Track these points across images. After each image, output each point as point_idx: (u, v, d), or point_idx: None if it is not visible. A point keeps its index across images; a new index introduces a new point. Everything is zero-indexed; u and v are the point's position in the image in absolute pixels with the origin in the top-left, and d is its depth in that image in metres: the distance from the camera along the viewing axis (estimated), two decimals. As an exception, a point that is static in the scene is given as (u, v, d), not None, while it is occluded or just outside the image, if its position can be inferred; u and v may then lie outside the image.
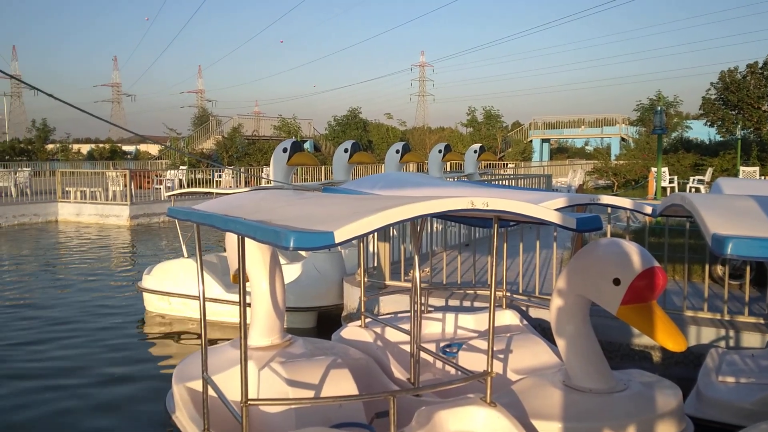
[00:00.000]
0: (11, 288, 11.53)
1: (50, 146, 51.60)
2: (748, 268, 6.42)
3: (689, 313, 6.17)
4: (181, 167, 28.90)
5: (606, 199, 4.76)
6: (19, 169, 26.74)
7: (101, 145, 60.43)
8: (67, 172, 25.40)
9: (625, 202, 4.76)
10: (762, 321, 5.94)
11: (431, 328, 5.97)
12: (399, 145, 11.66)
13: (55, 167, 31.59)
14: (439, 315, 6.09)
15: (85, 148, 59.64)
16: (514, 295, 6.75)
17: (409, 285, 6.61)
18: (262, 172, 27.15)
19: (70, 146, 55.76)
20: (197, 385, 4.41)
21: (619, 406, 3.98)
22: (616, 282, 3.77)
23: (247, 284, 4.96)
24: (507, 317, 5.92)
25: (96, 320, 9.19)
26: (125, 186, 21.36)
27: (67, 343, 8.12)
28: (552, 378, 4.30)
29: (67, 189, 22.29)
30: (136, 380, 6.85)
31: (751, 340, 5.71)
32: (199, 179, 26.55)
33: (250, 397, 3.26)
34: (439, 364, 5.39)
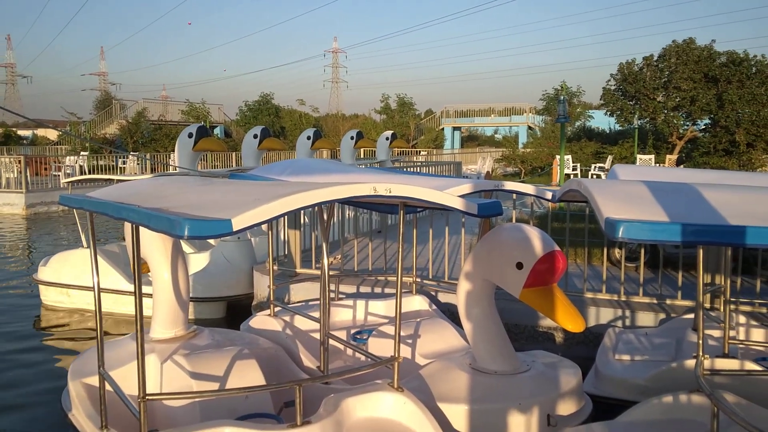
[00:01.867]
0: None
1: (-66, 130, 47.93)
2: (642, 251, 6.76)
3: (589, 295, 6.43)
4: (82, 153, 27.50)
5: (510, 185, 4.87)
6: None
7: (-6, 130, 56.64)
8: (-45, 158, 23.67)
9: (527, 188, 4.89)
10: (655, 301, 6.27)
11: (341, 315, 5.95)
12: (310, 132, 11.55)
13: (-59, 153, 29.37)
14: (349, 302, 6.07)
15: (-26, 133, 55.68)
16: (424, 281, 6.83)
17: (319, 272, 6.56)
18: (169, 158, 26.26)
19: (-43, 130, 51.99)
20: (94, 381, 4.21)
21: (522, 387, 4.10)
22: (519, 266, 3.86)
23: (149, 274, 4.79)
24: (416, 303, 5.98)
25: (-14, 316, 8.62)
26: (20, 173, 20.13)
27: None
28: (459, 361, 4.37)
29: (-46, 176, 20.80)
30: (30, 379, 6.47)
31: (646, 319, 6.02)
32: (101, 166, 25.42)
33: (151, 391, 3.13)
34: (349, 351, 5.38)
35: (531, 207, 7.43)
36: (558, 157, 21.97)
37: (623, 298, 6.32)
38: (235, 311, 8.11)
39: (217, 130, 41.75)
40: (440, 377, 4.22)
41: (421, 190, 3.23)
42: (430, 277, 7.03)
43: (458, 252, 8.22)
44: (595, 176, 24.05)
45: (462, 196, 3.75)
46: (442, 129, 45.69)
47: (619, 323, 6.04)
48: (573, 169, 25.32)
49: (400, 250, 3.80)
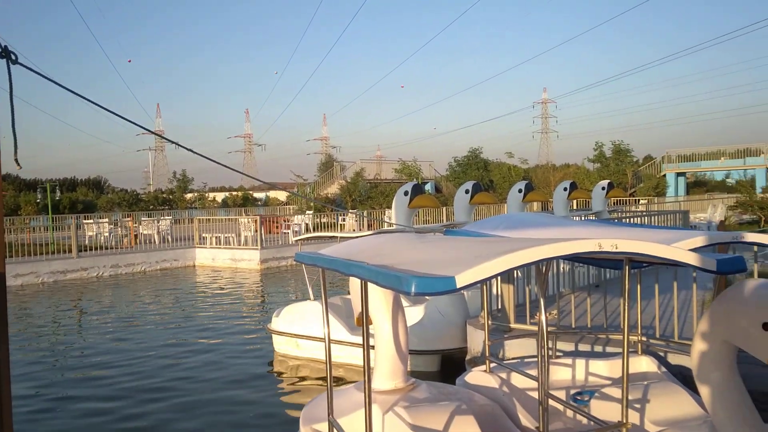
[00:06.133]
0: (152, 327, 12.34)
1: (189, 195, 55.33)
2: None
3: None
4: (307, 212, 30.00)
5: (751, 236, 4.40)
6: (162, 217, 28.82)
7: (234, 193, 63.99)
8: (204, 219, 27.04)
9: (772, 239, 4.37)
10: None
11: (560, 374, 5.72)
12: (522, 184, 11.46)
13: (193, 215, 33.76)
14: (568, 360, 5.82)
15: (220, 196, 63.34)
16: (651, 340, 6.34)
17: (535, 328, 6.39)
18: (384, 215, 27.63)
19: (206, 195, 59.60)
20: (324, 427, 4.47)
21: (776, 466, 3.59)
22: (766, 327, 3.44)
23: (371, 327, 5.02)
24: (643, 364, 5.57)
25: (227, 360, 9.61)
26: (256, 231, 22.42)
27: (197, 384, 8.53)
28: (697, 431, 3.97)
29: (204, 235, 23.70)
30: (264, 421, 7.04)
31: None
32: (324, 223, 27.45)
33: (374, 442, 3.25)
34: (569, 412, 5.13)
35: (775, 260, 6.62)
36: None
37: None
38: (449, 365, 8.17)
39: (427, 186, 43.19)
40: (675, 448, 3.86)
41: (651, 245, 3.04)
42: (657, 336, 6.50)
43: (688, 309, 7.55)
44: None
45: (694, 250, 3.46)
46: (664, 175, 42.86)
47: None
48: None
49: (625, 307, 3.59)
